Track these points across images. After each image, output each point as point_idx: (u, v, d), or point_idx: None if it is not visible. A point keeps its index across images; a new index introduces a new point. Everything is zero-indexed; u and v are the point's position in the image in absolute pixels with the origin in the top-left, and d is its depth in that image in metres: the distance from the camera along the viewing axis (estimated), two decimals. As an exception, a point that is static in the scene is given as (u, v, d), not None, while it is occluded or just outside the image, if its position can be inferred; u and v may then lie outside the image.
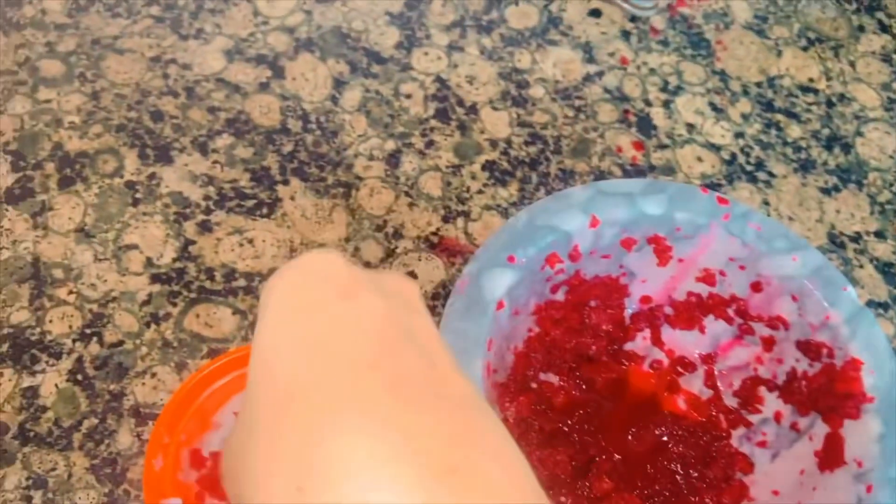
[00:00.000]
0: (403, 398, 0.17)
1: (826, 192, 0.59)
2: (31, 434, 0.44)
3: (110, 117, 0.54)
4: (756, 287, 0.42)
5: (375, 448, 0.15)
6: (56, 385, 0.46)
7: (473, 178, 0.56)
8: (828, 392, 0.39)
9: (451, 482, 0.15)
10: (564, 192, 0.42)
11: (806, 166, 0.60)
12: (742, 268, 0.42)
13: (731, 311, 0.44)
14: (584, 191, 0.42)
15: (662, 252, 0.44)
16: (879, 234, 0.58)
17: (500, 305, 0.39)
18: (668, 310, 0.46)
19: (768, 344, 0.43)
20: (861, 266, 0.57)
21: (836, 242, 0.58)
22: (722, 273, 0.43)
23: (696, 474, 0.42)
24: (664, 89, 0.62)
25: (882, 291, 0.56)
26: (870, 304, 0.55)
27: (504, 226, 0.41)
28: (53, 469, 0.43)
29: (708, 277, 0.44)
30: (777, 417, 0.42)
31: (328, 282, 0.20)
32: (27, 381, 0.45)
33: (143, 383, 0.46)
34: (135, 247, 0.50)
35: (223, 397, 0.44)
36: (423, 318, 0.20)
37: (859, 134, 0.62)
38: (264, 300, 0.20)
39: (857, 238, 0.58)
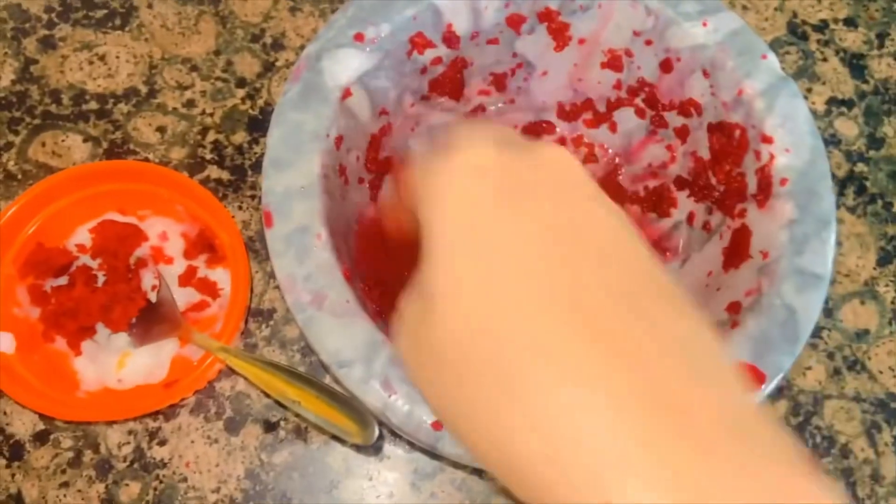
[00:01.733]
0: (603, 348, 0.16)
1: (788, -26, 0.50)
2: None
3: (-66, -78, 0.46)
4: (666, 66, 0.35)
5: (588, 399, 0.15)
6: None
7: (369, -23, 0.48)
8: (738, 179, 0.32)
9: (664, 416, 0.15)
10: (428, -45, 0.34)
11: (765, -55, 0.51)
12: (649, 42, 0.35)
13: (640, 101, 0.37)
14: (453, -48, 0.34)
15: (558, 32, 0.36)
16: (849, 22, 0.50)
17: (346, 94, 0.33)
18: (568, 108, 0.40)
19: (682, 135, 0.37)
20: (825, 59, 0.49)
21: (796, 34, 0.50)
22: (628, 53, 0.36)
23: None
24: None
25: (847, 87, 0.48)
26: (832, 101, 0.48)
27: (351, -2, 0.33)
28: None
29: (613, 60, 0.37)
30: (690, 219, 0.37)
31: (486, 190, 0.18)
32: None
33: (-14, 219, 0.41)
34: (-32, 69, 0.44)
35: (64, 225, 0.39)
36: (591, 203, 0.19)
37: None
38: (428, 200, 0.19)
39: (822, 27, 0.50)
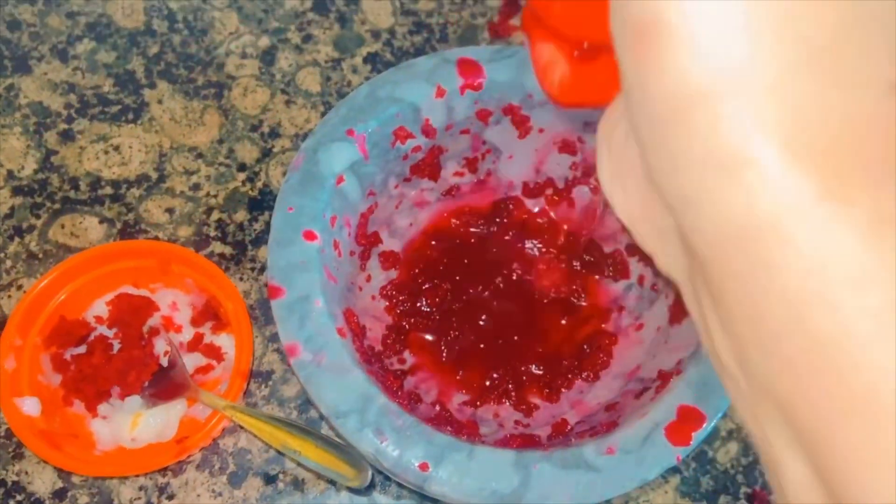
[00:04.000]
0: None
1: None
2: None
3: (-35, 30, 0.52)
4: (613, 150, 0.41)
5: None
6: (-80, 302, 0.45)
7: (355, 71, 0.54)
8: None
9: None
10: (408, 62, 0.40)
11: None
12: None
13: (594, 181, 0.43)
14: (429, 60, 0.40)
15: (521, 123, 0.42)
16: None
17: (339, 180, 0.38)
18: (532, 186, 0.45)
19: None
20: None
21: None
22: (580, 139, 0.42)
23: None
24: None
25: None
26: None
27: (344, 99, 0.39)
28: (-80, 383, 0.43)
29: (568, 146, 0.43)
30: (640, 281, 0.42)
31: None
32: None
33: (9, 296, 0.45)
34: (-5, 160, 0.48)
35: (84, 299, 0.43)
36: None
37: None
38: None
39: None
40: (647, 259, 0.42)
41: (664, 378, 0.34)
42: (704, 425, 0.32)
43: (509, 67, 0.40)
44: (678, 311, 0.37)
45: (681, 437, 0.32)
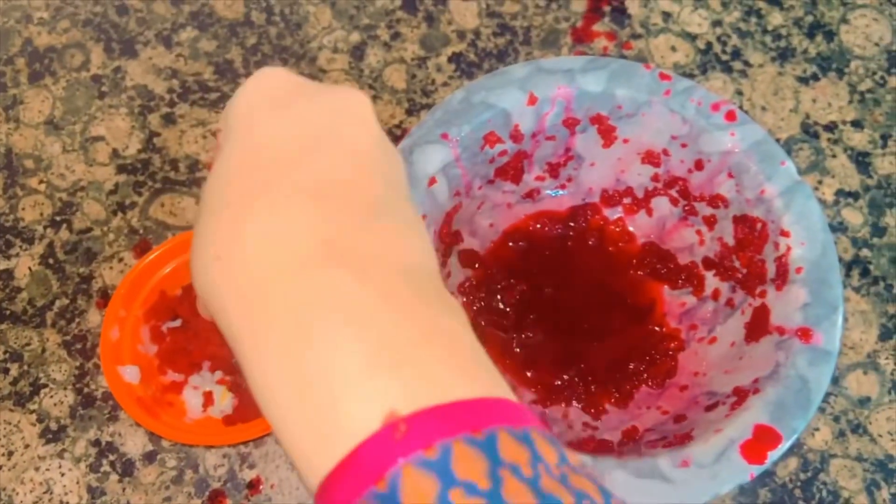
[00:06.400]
0: (325, 207, 0.20)
1: (804, 80, 0.58)
2: (7, 312, 0.47)
3: (77, 12, 0.55)
4: (698, 165, 0.42)
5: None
6: (29, 268, 0.48)
7: (439, 70, 0.56)
8: (759, 265, 0.39)
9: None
10: (503, 69, 0.42)
11: (784, 55, 0.58)
12: (684, 145, 0.42)
13: (674, 192, 0.44)
14: (523, 68, 0.41)
15: (606, 132, 0.43)
16: (856, 124, 0.57)
17: (431, 181, 0.40)
18: (611, 193, 0.46)
19: (710, 223, 0.43)
20: (834, 156, 0.56)
21: (808, 132, 0.56)
22: (665, 152, 0.43)
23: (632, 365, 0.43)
24: (639, -24, 0.60)
25: (854, 181, 0.55)
26: (840, 193, 0.55)
27: (439, 103, 0.41)
28: (28, 344, 0.46)
29: (652, 157, 0.44)
30: (715, 295, 0.43)
31: (267, 96, 0.23)
32: (2, 265, 0.48)
33: (111, 267, 0.48)
34: (101, 138, 0.51)
35: (183, 276, 0.46)
36: (363, 127, 0.22)
37: (844, 21, 0.60)
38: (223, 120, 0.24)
39: (832, 127, 0.56)
40: (723, 274, 0.43)
41: (740, 395, 0.35)
42: (780, 446, 0.33)
43: (601, 79, 0.41)
44: (755, 330, 0.38)
45: (756, 456, 0.33)
